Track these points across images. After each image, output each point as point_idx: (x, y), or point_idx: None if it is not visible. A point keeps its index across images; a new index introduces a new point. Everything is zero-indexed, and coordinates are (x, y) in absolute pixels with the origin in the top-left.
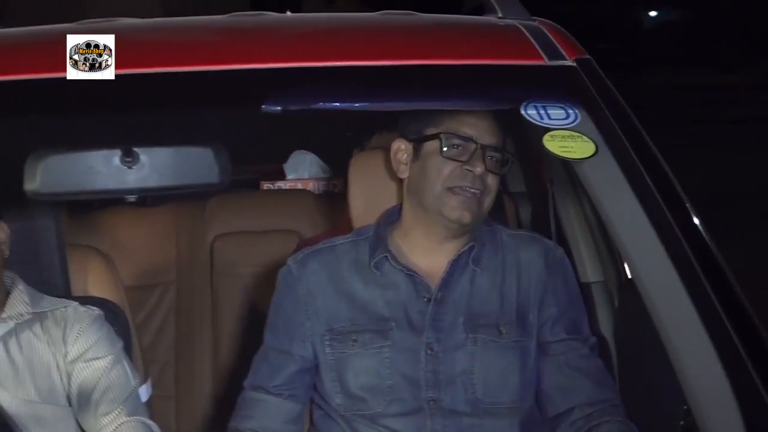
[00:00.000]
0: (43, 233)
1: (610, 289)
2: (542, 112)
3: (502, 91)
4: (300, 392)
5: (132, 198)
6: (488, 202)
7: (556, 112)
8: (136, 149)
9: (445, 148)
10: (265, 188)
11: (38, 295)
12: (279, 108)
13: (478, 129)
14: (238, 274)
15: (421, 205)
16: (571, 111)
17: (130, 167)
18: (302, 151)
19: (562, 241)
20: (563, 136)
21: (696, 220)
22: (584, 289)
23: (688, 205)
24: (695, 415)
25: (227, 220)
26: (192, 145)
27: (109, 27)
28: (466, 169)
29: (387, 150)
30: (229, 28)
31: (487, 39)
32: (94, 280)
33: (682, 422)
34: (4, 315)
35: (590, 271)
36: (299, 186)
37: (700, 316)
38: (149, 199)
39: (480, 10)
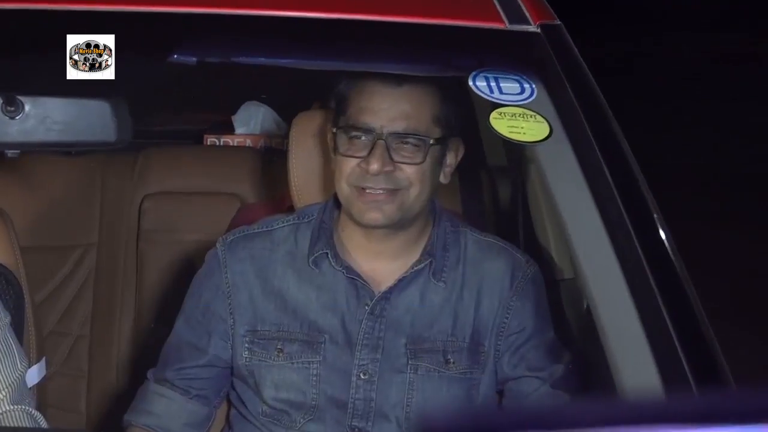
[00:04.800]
0: None
1: (581, 288)
2: (493, 84)
3: (452, 57)
4: (210, 394)
5: (12, 153)
6: (413, 196)
7: (509, 86)
8: (20, 97)
9: (340, 144)
10: (208, 143)
11: None
12: (215, 58)
13: (381, 116)
14: (169, 240)
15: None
16: (527, 85)
17: (12, 118)
18: (254, 102)
19: (530, 233)
20: (514, 114)
21: (659, 224)
22: (552, 287)
23: (651, 205)
24: None
25: (160, 177)
26: (86, 97)
27: None
28: (363, 168)
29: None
30: None
31: None
32: None
33: None
34: None
35: (558, 268)
36: (248, 143)
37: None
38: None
39: None
